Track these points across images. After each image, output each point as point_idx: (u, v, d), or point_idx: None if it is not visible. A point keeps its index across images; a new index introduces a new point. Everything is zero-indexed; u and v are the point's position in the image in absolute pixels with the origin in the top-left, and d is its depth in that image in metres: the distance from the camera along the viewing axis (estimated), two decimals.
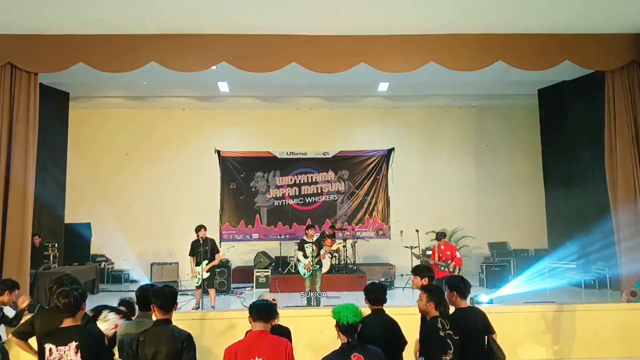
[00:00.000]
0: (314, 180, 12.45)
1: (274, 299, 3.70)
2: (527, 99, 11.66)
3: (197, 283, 8.04)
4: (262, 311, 3.25)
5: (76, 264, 10.02)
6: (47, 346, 3.06)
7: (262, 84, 10.30)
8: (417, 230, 9.72)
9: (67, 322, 3.15)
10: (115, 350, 3.51)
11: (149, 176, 12.07)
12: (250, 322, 3.27)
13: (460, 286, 3.72)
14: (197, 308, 7.94)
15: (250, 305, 3.34)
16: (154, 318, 3.54)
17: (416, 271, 4.24)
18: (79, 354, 3.03)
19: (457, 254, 8.11)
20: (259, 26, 7.42)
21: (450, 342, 3.43)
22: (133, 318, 3.68)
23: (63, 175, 10.64)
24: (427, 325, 3.57)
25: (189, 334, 3.16)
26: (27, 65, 7.58)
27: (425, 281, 4.08)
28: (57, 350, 3.03)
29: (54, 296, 3.77)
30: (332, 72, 7.82)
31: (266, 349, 3.10)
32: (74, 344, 3.04)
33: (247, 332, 3.33)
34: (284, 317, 4.03)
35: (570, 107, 10.52)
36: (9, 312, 4.99)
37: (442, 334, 3.43)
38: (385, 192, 12.44)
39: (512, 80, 9.74)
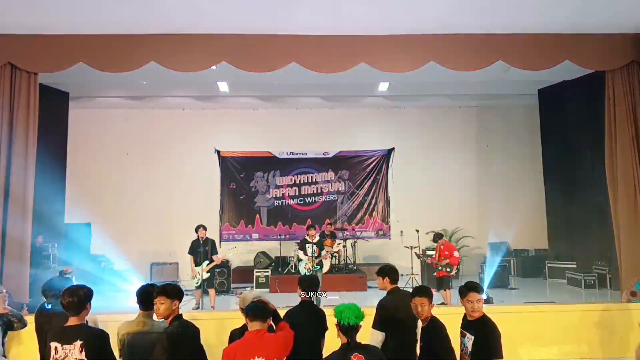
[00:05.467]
0: (314, 180, 12.45)
1: (259, 298, 3.66)
2: (527, 99, 11.66)
3: (197, 283, 8.04)
4: (258, 311, 3.26)
5: (76, 264, 10.00)
6: (53, 345, 3.08)
7: (262, 84, 10.31)
8: (417, 230, 9.73)
9: (72, 321, 3.17)
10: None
11: (149, 176, 12.07)
12: (247, 323, 3.27)
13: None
14: (197, 308, 7.94)
15: (246, 306, 3.35)
16: (154, 318, 3.56)
17: (380, 272, 4.29)
18: (83, 353, 3.04)
19: (455, 253, 8.14)
20: (259, 26, 7.42)
21: None
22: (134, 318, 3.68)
23: (63, 175, 10.64)
24: (440, 327, 3.57)
25: None
26: (27, 65, 7.58)
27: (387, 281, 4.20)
28: (63, 348, 3.05)
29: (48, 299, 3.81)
30: (332, 72, 7.82)
31: (265, 347, 3.11)
32: (78, 343, 3.06)
33: (244, 332, 3.37)
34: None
35: (571, 107, 10.53)
36: None
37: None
38: (385, 192, 12.44)
39: (512, 80, 9.75)
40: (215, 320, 6.17)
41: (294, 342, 3.62)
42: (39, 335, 3.86)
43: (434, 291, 7.56)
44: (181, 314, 3.43)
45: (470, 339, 3.54)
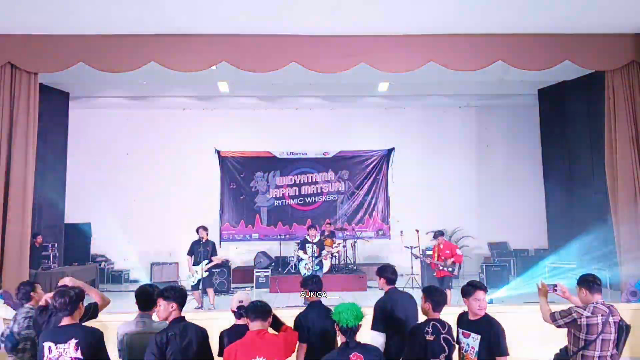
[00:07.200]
0: (314, 180, 12.45)
1: (240, 301, 3.68)
2: (527, 99, 11.65)
3: (193, 283, 8.03)
4: (259, 310, 3.27)
5: (76, 264, 10.02)
6: (46, 344, 3.10)
7: (262, 84, 10.31)
8: (417, 230, 9.73)
9: (66, 321, 3.19)
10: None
11: (149, 176, 12.06)
12: (248, 323, 3.27)
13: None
14: (200, 308, 7.93)
15: (247, 306, 3.36)
16: (154, 318, 3.56)
17: (377, 272, 4.32)
18: (79, 351, 3.05)
19: (458, 252, 8.12)
20: (259, 26, 7.42)
21: (445, 345, 3.42)
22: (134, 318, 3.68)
23: (63, 174, 10.64)
24: (414, 328, 3.58)
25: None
26: (27, 65, 7.58)
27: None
28: (57, 348, 3.06)
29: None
30: (332, 72, 7.83)
31: (266, 347, 3.12)
32: (73, 342, 3.08)
33: (232, 332, 3.42)
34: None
35: (571, 107, 10.52)
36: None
37: (430, 338, 3.41)
38: (385, 192, 12.44)
39: (512, 80, 9.74)
40: (216, 320, 6.18)
41: (310, 342, 3.63)
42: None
43: None
44: (183, 317, 3.36)
45: (476, 339, 3.49)
